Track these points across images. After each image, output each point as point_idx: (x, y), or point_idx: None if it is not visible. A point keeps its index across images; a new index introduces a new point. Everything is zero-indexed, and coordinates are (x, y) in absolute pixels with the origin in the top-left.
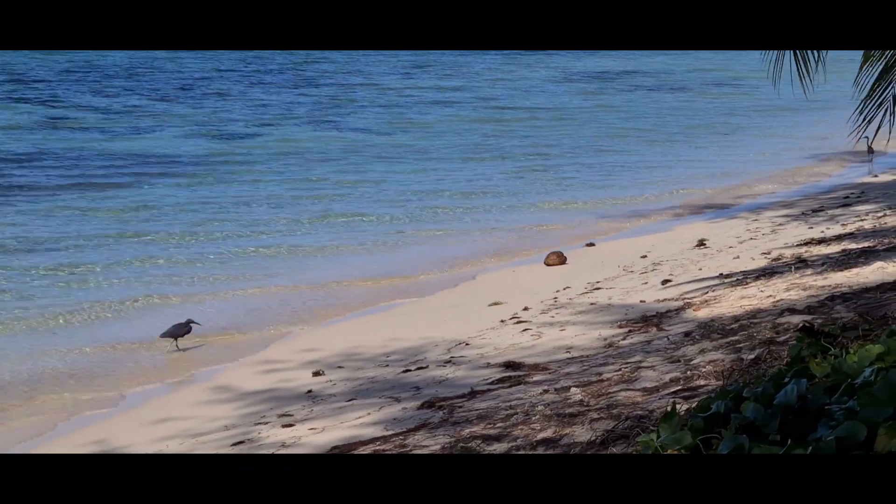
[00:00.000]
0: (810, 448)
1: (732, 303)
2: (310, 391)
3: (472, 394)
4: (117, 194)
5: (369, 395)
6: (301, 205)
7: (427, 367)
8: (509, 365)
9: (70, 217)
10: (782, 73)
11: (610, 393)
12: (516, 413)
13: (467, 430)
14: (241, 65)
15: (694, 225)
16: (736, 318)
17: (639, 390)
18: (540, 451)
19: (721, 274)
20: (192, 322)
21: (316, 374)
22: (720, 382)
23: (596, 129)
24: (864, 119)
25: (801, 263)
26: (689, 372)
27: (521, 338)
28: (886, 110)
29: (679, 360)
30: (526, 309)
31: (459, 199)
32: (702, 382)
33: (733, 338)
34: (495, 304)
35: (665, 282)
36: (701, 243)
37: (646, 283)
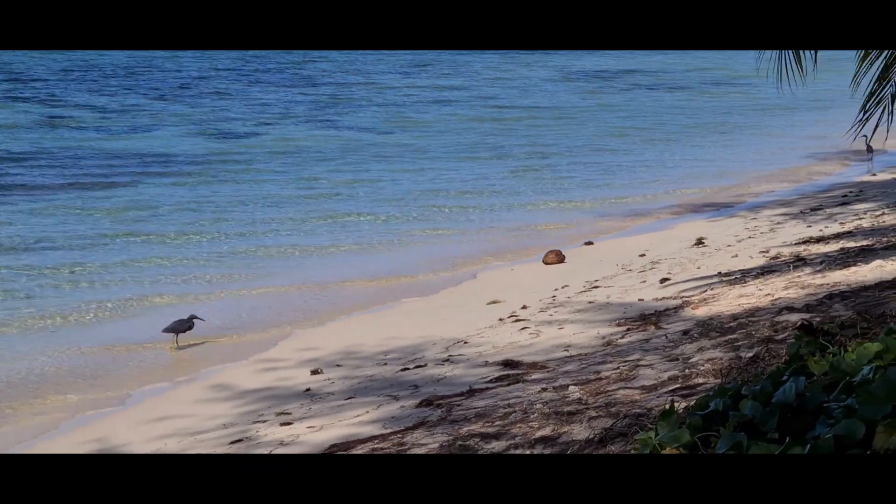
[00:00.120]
0: (808, 446)
1: (731, 301)
2: (308, 389)
3: (471, 392)
4: (116, 194)
5: (367, 393)
6: (300, 204)
7: (425, 365)
8: (508, 363)
9: (68, 216)
10: (779, 71)
11: (608, 391)
12: (515, 411)
13: (465, 429)
14: (240, 64)
15: (692, 224)
16: (734, 317)
17: (637, 388)
18: (538, 449)
19: (719, 272)
20: (195, 317)
21: (314, 372)
22: (718, 381)
23: (595, 128)
24: (864, 116)
25: (799, 262)
26: (687, 370)
27: (520, 336)
28: (884, 108)
29: (677, 359)
30: (524, 307)
31: (458, 198)
32: (700, 381)
33: (732, 336)
34: (494, 302)
35: (663, 280)
36: (699, 242)
37: (644, 281)
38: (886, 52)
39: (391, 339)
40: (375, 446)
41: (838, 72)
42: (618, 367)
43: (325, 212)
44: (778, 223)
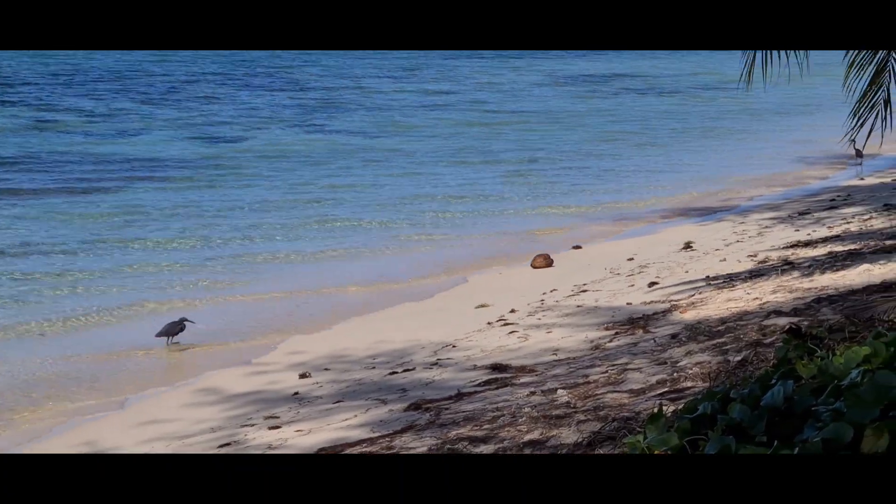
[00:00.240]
0: (797, 449)
1: (719, 305)
2: (296, 393)
3: (459, 396)
4: (105, 198)
5: (356, 396)
6: (290, 209)
7: (414, 369)
8: (496, 367)
9: (57, 221)
10: (764, 73)
11: (596, 395)
12: (503, 415)
13: (454, 432)
14: (228, 67)
15: (680, 227)
16: (722, 320)
17: (625, 392)
18: (527, 452)
19: (707, 276)
20: (186, 320)
21: (302, 376)
22: (707, 384)
23: (584, 132)
24: (859, 123)
25: (787, 266)
26: (675, 374)
27: (508, 340)
28: (878, 114)
29: (666, 362)
30: (513, 311)
31: (448, 203)
32: (688, 384)
33: (720, 340)
34: (482, 306)
35: (652, 284)
36: (687, 246)
37: (632, 285)
38: (877, 57)
39: (379, 342)
40: (364, 450)
41: (827, 76)
42: (606, 371)
43: (316, 217)
44: (766, 227)
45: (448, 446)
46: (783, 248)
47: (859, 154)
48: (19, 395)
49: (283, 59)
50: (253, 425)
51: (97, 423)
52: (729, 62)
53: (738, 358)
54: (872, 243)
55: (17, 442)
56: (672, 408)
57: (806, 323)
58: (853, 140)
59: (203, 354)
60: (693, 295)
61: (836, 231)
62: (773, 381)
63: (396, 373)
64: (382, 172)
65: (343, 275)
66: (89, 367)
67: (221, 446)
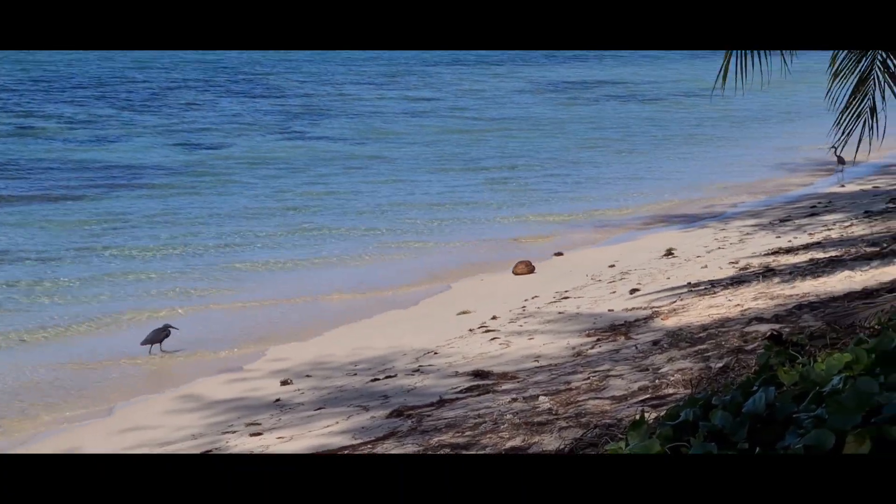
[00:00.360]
0: None
1: (700, 311)
2: (278, 400)
3: (441, 402)
4: (86, 206)
5: (337, 403)
6: (273, 217)
7: (395, 375)
8: (478, 374)
9: (37, 229)
10: (741, 77)
11: (578, 401)
12: (485, 422)
13: (436, 439)
14: (210, 74)
15: (662, 234)
16: (704, 327)
17: (607, 399)
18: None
19: (689, 283)
20: (171, 326)
21: (284, 382)
22: (688, 391)
23: (565, 139)
24: (846, 133)
25: (768, 272)
26: (657, 380)
27: (490, 346)
28: (864, 122)
29: (647, 369)
30: (494, 318)
31: (430, 210)
32: (670, 391)
33: (701, 346)
34: (464, 312)
35: (633, 291)
36: (669, 253)
37: (614, 292)
38: (860, 67)
39: (361, 349)
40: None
41: (807, 83)
42: (588, 378)
43: (298, 225)
44: (747, 234)
45: (430, 453)
46: (764, 254)
47: (841, 161)
48: (3, 404)
49: (263, 65)
50: (234, 432)
51: (80, 429)
52: (710, 69)
53: (720, 364)
54: (853, 250)
55: (1, 448)
56: (654, 414)
57: (787, 329)
58: (834, 147)
59: (187, 362)
60: (674, 301)
61: (817, 238)
62: (755, 388)
63: (378, 379)
64: (364, 179)
65: (326, 282)
66: (74, 376)
67: (202, 453)
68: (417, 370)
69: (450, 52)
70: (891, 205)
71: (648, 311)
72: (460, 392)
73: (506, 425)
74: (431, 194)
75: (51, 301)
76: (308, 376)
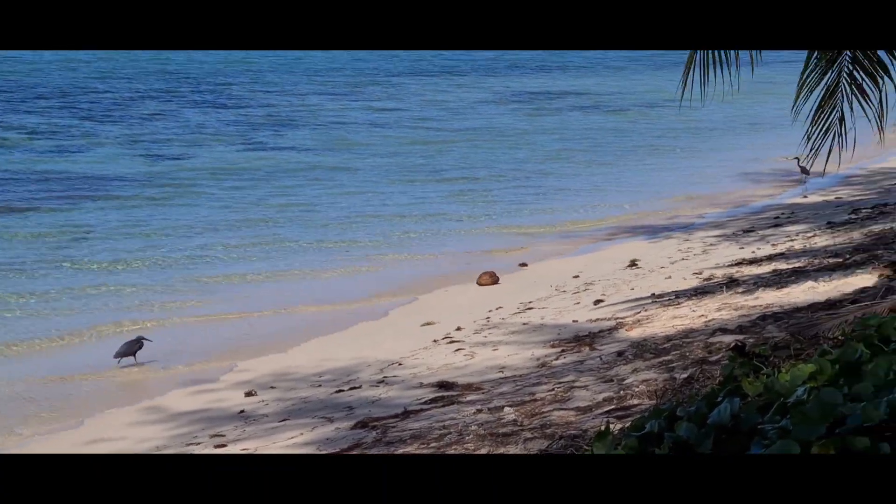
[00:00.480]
0: None
1: (664, 322)
2: (242, 411)
3: (406, 414)
4: (47, 218)
5: (302, 415)
6: (238, 229)
7: (360, 387)
8: (442, 385)
9: (2, 241)
10: (703, 85)
11: (543, 412)
12: (450, 433)
13: (401, 450)
14: (173, 84)
15: (626, 245)
16: (668, 338)
17: (572, 410)
18: None
19: (653, 294)
20: (143, 338)
21: (249, 394)
22: (653, 402)
23: (530, 150)
24: (818, 145)
25: (732, 283)
26: (622, 391)
27: (454, 358)
28: (834, 134)
29: (612, 380)
30: (459, 329)
31: (395, 223)
32: (635, 402)
33: (666, 357)
34: (428, 324)
35: (597, 302)
36: (633, 263)
37: (578, 302)
38: (826, 79)
39: (326, 360)
40: None
41: (772, 94)
42: (552, 389)
43: (264, 237)
44: (711, 245)
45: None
46: (728, 265)
47: (805, 171)
48: None
49: (226, 75)
50: (199, 444)
51: (48, 441)
52: (673, 80)
53: (685, 375)
54: (816, 261)
55: None
56: (619, 425)
57: (751, 340)
58: (797, 157)
59: (154, 375)
60: (639, 312)
61: (781, 249)
62: (720, 399)
63: (343, 391)
64: (329, 191)
65: (291, 295)
66: (46, 390)
67: None
68: (382, 381)
69: (412, 62)
70: (853, 216)
71: (613, 322)
72: (425, 403)
73: (471, 436)
74: (396, 206)
75: (18, 315)
76: (272, 387)
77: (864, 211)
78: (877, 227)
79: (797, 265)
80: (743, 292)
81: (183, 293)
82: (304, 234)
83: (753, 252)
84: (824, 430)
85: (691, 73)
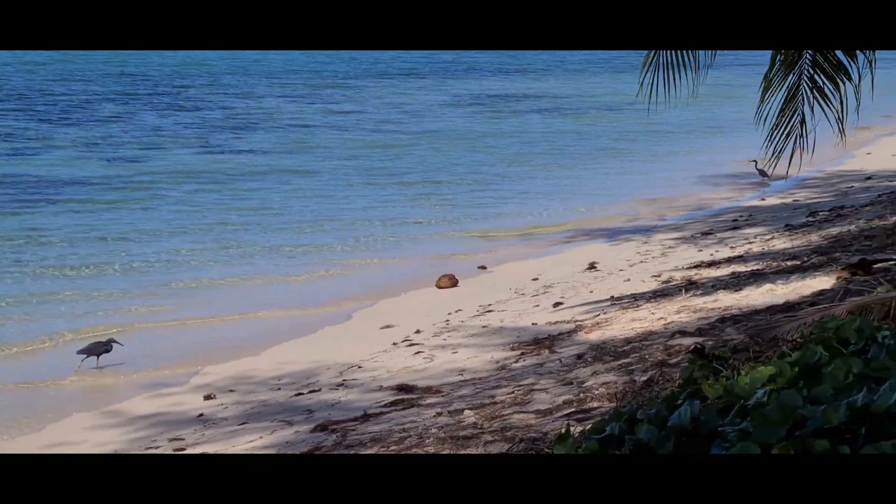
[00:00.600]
0: None
1: (624, 325)
2: (201, 415)
3: (366, 417)
4: (7, 222)
5: (261, 418)
6: (198, 233)
7: (319, 390)
8: (402, 388)
9: None
10: (667, 88)
11: (503, 415)
12: (410, 436)
13: (361, 454)
14: (130, 87)
15: (585, 248)
16: (628, 341)
17: (532, 412)
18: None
19: (612, 296)
20: (114, 341)
21: (207, 397)
22: (613, 404)
23: (489, 154)
24: (774, 150)
25: (691, 286)
26: (581, 394)
27: (414, 360)
28: (795, 137)
29: (572, 383)
30: (418, 332)
31: (355, 227)
32: (595, 404)
33: (625, 360)
34: (387, 327)
35: (556, 304)
36: (592, 266)
37: (537, 305)
38: (789, 80)
39: (284, 363)
40: None
41: (730, 97)
42: (512, 392)
43: (223, 242)
44: (670, 247)
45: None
46: (687, 268)
47: (763, 174)
48: None
49: (184, 77)
50: (157, 448)
51: (7, 445)
52: (632, 83)
53: (644, 378)
54: (775, 263)
55: None
56: (579, 428)
57: (710, 343)
58: (755, 161)
59: (116, 380)
60: (598, 315)
61: (739, 251)
62: (680, 402)
63: (302, 394)
64: (288, 195)
65: (254, 300)
66: (9, 397)
67: None
68: (341, 384)
69: (371, 64)
70: (811, 218)
71: (572, 325)
72: (385, 406)
73: (431, 439)
74: (356, 209)
75: None
76: (232, 391)
77: (821, 214)
78: (834, 230)
79: (755, 268)
80: (702, 295)
81: (144, 298)
82: (265, 239)
83: (712, 255)
84: (784, 432)
85: (651, 75)
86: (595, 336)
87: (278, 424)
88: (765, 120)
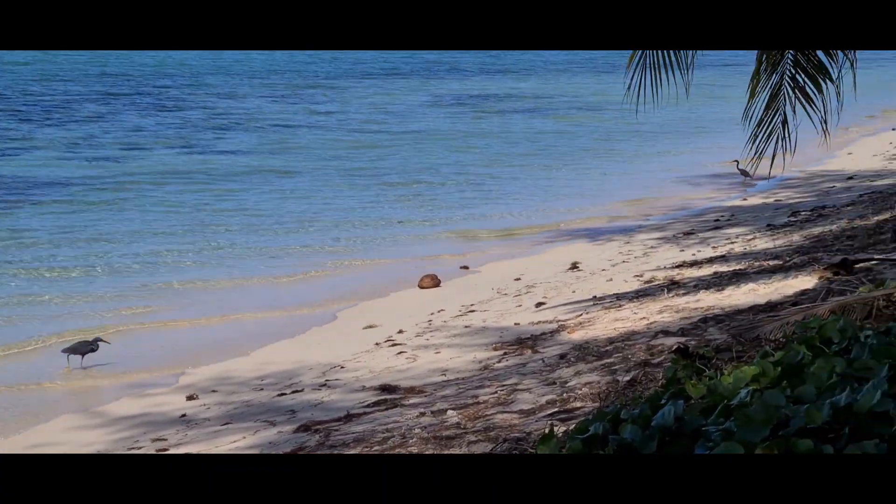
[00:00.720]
0: None
1: (606, 325)
2: (184, 415)
3: (349, 417)
4: None
5: (244, 418)
6: (182, 235)
7: (302, 390)
8: (385, 388)
9: None
10: (655, 90)
11: (487, 415)
12: (393, 436)
13: (345, 454)
14: (112, 87)
15: (567, 248)
16: (610, 340)
17: (515, 412)
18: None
19: (594, 296)
20: (100, 340)
21: (190, 398)
22: (596, 404)
23: (472, 154)
24: (761, 149)
25: (673, 286)
26: (565, 394)
27: (397, 361)
28: (777, 137)
29: (555, 383)
30: (400, 332)
31: (337, 228)
32: (578, 404)
33: (608, 360)
34: (370, 327)
35: (539, 304)
36: (574, 266)
37: (520, 305)
38: (771, 81)
39: (266, 363)
40: None
41: (712, 98)
42: (495, 392)
43: (208, 243)
44: (652, 247)
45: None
46: (669, 268)
47: (745, 174)
48: None
49: (166, 78)
50: (140, 448)
51: None
52: (614, 83)
53: (627, 378)
54: (757, 263)
55: None
56: (563, 428)
57: (693, 343)
58: (736, 161)
59: (98, 382)
60: (581, 315)
61: (721, 251)
62: (663, 402)
63: (285, 394)
64: (271, 196)
65: (235, 302)
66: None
67: None
68: (324, 385)
69: (353, 64)
70: (792, 218)
71: (555, 325)
72: (368, 406)
73: (414, 439)
74: (339, 210)
75: None
76: (214, 391)
77: (803, 213)
78: (816, 230)
79: (738, 267)
80: (684, 294)
81: (128, 300)
82: (248, 240)
83: (694, 255)
84: (768, 432)
85: (637, 76)
86: (578, 336)
87: (261, 425)
88: (751, 120)
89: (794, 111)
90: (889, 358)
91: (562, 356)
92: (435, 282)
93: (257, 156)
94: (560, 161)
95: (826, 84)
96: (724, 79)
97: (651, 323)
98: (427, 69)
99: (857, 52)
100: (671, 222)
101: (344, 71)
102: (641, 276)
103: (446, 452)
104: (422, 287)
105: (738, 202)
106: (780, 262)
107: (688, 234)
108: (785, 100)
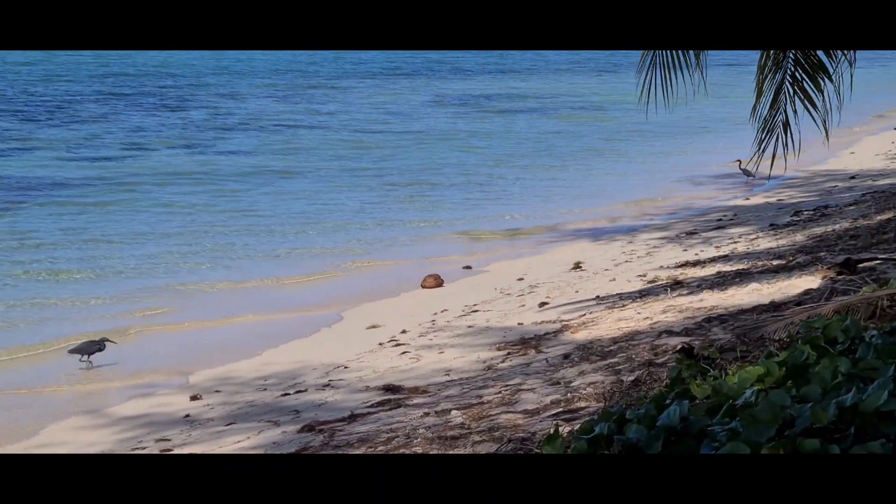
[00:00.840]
0: None
1: (610, 325)
2: (187, 415)
3: (353, 417)
4: None
5: (248, 418)
6: (187, 236)
7: (306, 390)
8: (389, 388)
9: None
10: (665, 91)
11: (491, 415)
12: (397, 436)
13: (349, 454)
14: (115, 87)
15: (570, 248)
16: (614, 340)
17: (520, 412)
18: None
19: (598, 296)
20: (107, 340)
21: (193, 398)
22: (601, 404)
23: (475, 154)
24: (762, 148)
25: (676, 285)
26: (569, 394)
27: (400, 360)
28: (779, 137)
29: (559, 383)
30: (404, 332)
31: (343, 230)
32: (582, 404)
33: (612, 360)
34: (373, 327)
35: (542, 304)
36: (577, 266)
37: (523, 305)
38: (775, 80)
39: (268, 364)
40: None
41: (714, 97)
42: (499, 392)
43: (212, 245)
44: (655, 247)
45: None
46: (672, 267)
47: (748, 173)
48: None
49: (168, 78)
50: (144, 448)
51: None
52: (617, 83)
53: (632, 378)
54: (760, 263)
55: None
56: (567, 428)
57: (697, 342)
58: (738, 161)
59: (103, 385)
60: (584, 315)
61: (724, 251)
62: (668, 402)
63: (288, 394)
64: (275, 196)
65: (240, 304)
66: (8, 402)
67: None
68: (328, 385)
69: (355, 64)
70: (795, 218)
71: (558, 325)
72: (371, 406)
73: (419, 439)
74: (342, 211)
75: None
76: (217, 391)
77: (806, 213)
78: (819, 230)
79: (741, 267)
80: (687, 294)
81: (133, 302)
82: (252, 241)
83: (697, 254)
84: (773, 432)
85: (646, 76)
86: (581, 336)
87: (265, 425)
88: (758, 118)
89: (796, 111)
90: (894, 357)
91: (565, 356)
92: (438, 282)
93: (260, 156)
94: (563, 161)
95: (825, 83)
96: (725, 77)
97: (654, 323)
98: (430, 69)
99: (858, 51)
100: (674, 222)
101: (347, 71)
102: (644, 275)
103: (451, 452)
104: (425, 287)
105: (740, 202)
106: (784, 262)
107: (691, 233)
108: (786, 99)
